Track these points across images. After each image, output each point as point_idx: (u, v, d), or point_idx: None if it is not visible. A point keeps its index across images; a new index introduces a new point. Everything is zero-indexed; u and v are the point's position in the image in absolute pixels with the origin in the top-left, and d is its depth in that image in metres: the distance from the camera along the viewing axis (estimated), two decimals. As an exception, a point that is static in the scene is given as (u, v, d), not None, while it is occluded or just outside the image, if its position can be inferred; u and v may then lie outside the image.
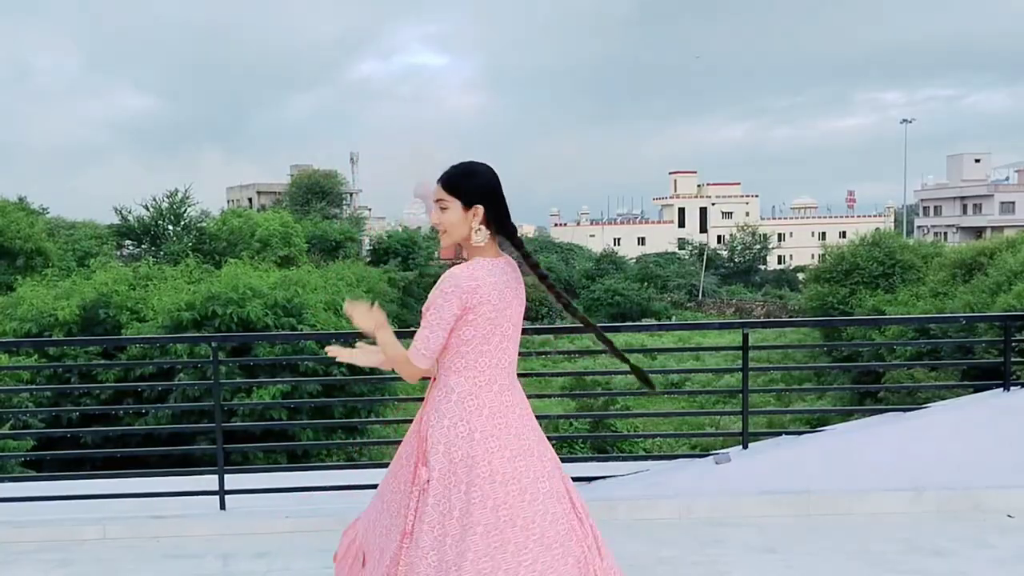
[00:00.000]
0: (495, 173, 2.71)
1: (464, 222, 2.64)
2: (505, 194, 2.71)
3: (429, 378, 2.76)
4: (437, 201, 2.66)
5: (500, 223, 2.67)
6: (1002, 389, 4.96)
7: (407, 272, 40.42)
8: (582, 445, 17.03)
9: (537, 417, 2.94)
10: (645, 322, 38.00)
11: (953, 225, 69.01)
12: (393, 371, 2.71)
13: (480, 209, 2.62)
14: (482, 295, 2.56)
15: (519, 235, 2.75)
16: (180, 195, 38.51)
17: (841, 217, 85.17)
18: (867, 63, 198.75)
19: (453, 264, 2.69)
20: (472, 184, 2.64)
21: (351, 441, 13.32)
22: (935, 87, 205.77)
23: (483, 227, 2.63)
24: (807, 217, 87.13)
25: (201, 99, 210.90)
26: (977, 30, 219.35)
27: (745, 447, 4.88)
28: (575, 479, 4.85)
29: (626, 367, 3.08)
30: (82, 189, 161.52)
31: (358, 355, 2.79)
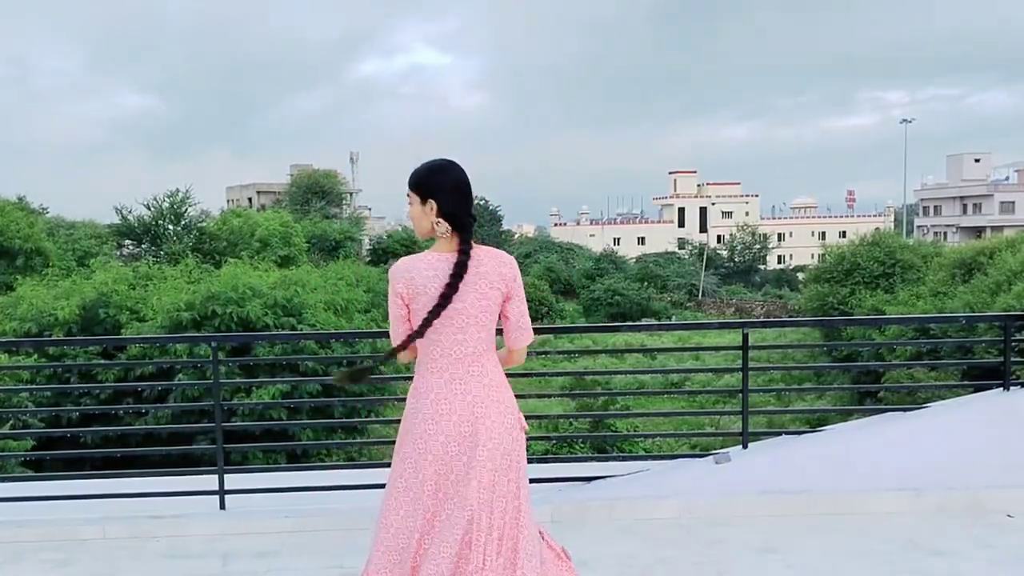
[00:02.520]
0: (460, 170, 2.82)
1: (424, 216, 2.77)
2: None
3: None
4: (407, 195, 2.83)
5: (455, 218, 2.76)
6: (1002, 389, 4.95)
7: (407, 272, 40.37)
8: (582, 445, 17.01)
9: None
10: (645, 322, 37.97)
11: (953, 225, 69.01)
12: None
13: (434, 204, 2.75)
14: (417, 286, 2.71)
15: (471, 232, 2.83)
16: (180, 195, 38.51)
17: (841, 217, 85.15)
18: (870, 62, 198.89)
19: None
20: (431, 181, 2.77)
21: (351, 441, 13.31)
22: (938, 86, 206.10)
23: (442, 220, 2.75)
24: (807, 217, 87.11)
25: (204, 98, 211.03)
26: (981, 29, 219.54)
27: (745, 447, 4.87)
28: (575, 479, 4.87)
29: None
30: (84, 189, 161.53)
31: None
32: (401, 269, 2.75)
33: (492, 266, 2.79)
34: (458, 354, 2.76)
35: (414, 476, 2.75)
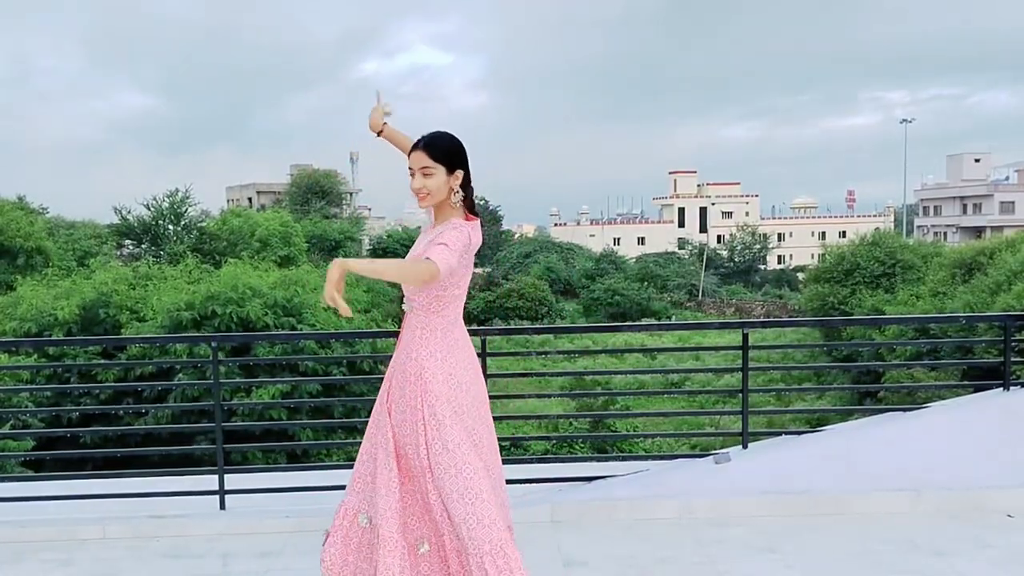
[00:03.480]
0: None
1: (445, 186, 2.89)
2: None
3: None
4: (422, 168, 2.87)
5: (467, 187, 2.94)
6: (1002, 389, 4.95)
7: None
8: (582, 445, 17.01)
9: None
10: (645, 322, 37.97)
11: (953, 225, 69.01)
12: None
13: (460, 173, 2.90)
14: (472, 250, 2.87)
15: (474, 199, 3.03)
16: (180, 195, 38.49)
17: (841, 217, 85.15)
18: (871, 62, 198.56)
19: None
20: (459, 151, 2.92)
21: (351, 441, 13.27)
22: (940, 86, 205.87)
23: (460, 190, 2.91)
24: (807, 217, 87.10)
25: (205, 98, 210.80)
26: (981, 29, 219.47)
27: (745, 447, 4.88)
28: (575, 479, 4.88)
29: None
30: (84, 189, 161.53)
31: (360, 265, 2.60)
32: (467, 230, 2.85)
33: None
34: (461, 312, 3.00)
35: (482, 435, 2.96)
